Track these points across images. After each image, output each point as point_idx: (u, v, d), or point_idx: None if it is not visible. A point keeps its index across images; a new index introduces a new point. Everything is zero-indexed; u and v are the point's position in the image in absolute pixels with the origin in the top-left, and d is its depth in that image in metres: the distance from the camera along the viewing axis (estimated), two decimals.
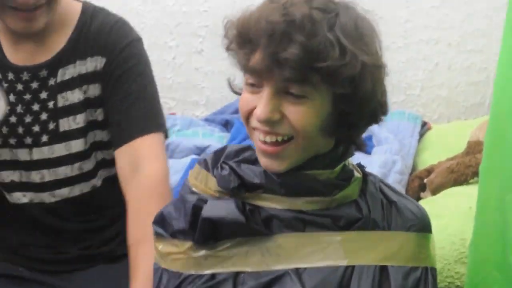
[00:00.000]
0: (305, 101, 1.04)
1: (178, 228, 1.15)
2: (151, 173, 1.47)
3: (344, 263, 1.08)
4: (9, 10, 1.41)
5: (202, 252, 1.12)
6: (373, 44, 1.09)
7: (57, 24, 1.52)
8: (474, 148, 2.29)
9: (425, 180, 2.24)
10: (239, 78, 1.14)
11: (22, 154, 1.55)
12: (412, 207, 1.16)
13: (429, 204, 2.03)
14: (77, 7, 1.57)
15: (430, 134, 2.77)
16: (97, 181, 1.60)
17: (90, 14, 1.56)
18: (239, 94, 1.15)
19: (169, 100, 3.17)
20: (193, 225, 1.12)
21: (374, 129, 2.65)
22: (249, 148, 1.18)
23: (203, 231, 1.11)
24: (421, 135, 2.78)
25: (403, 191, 2.27)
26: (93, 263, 1.60)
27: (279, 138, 1.07)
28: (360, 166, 1.21)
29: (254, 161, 1.14)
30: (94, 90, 1.54)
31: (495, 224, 1.22)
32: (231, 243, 1.11)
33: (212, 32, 3.01)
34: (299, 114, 1.05)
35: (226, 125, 2.85)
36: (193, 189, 1.18)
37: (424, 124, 2.86)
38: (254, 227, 1.09)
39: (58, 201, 1.58)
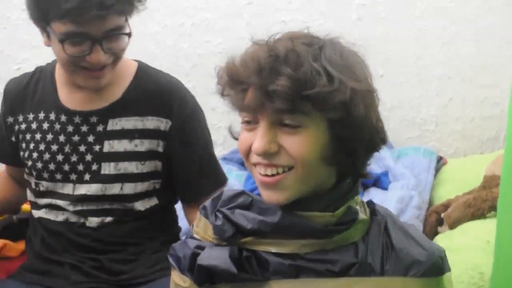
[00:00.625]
0: (300, 130, 1.06)
1: (182, 268, 1.18)
2: None
3: None
4: (80, 70, 1.58)
5: None
6: (361, 71, 1.11)
7: (113, 80, 1.67)
8: (490, 182, 2.29)
9: (442, 215, 2.24)
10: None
11: (68, 189, 1.70)
12: (416, 252, 1.11)
13: (446, 238, 2.04)
14: (133, 65, 1.73)
15: (446, 169, 2.78)
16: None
17: (145, 72, 1.72)
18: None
19: None
20: (192, 268, 1.15)
21: (390, 165, 2.67)
22: (243, 193, 1.18)
23: (199, 276, 1.14)
24: (437, 170, 2.78)
25: (420, 226, 2.27)
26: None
27: (279, 170, 1.08)
28: (370, 204, 1.20)
29: (248, 206, 1.15)
30: (148, 145, 1.69)
31: None
32: (226, 286, 1.12)
33: None
34: (296, 144, 1.06)
35: (244, 163, 2.86)
36: (194, 235, 1.21)
37: (440, 159, 2.86)
38: (245, 278, 1.11)
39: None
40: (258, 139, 1.07)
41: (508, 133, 1.25)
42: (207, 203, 1.22)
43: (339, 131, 1.07)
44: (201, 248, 1.16)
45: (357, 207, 1.15)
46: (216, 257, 1.12)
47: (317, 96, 1.04)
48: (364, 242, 1.12)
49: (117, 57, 1.62)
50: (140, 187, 1.70)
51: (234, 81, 1.10)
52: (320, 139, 1.08)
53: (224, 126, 3.26)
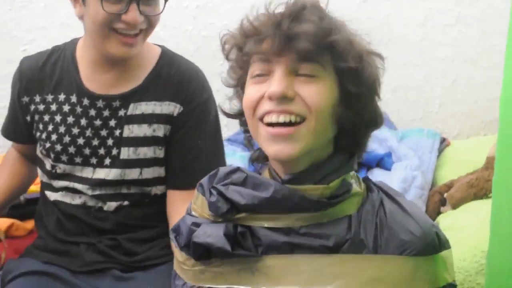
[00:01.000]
0: (316, 80, 1.09)
1: (181, 244, 1.21)
2: None
3: (331, 287, 1.08)
4: (114, 35, 1.57)
5: (198, 267, 1.17)
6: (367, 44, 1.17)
7: (136, 63, 1.67)
8: (493, 163, 2.27)
9: (445, 195, 2.26)
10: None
11: (87, 172, 1.71)
12: (413, 228, 1.11)
13: (449, 217, 2.06)
14: (157, 50, 1.75)
15: (449, 150, 2.80)
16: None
17: (169, 58, 1.73)
18: (231, 115, 1.22)
19: None
20: (188, 244, 1.17)
21: (393, 146, 2.68)
22: (238, 169, 1.19)
23: (195, 251, 1.16)
24: (440, 151, 2.79)
25: (423, 206, 2.29)
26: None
27: (292, 118, 1.09)
28: (366, 181, 1.21)
29: (243, 182, 1.15)
30: (163, 130, 1.67)
31: (509, 235, 1.24)
32: (222, 260, 1.14)
33: None
34: (312, 92, 1.08)
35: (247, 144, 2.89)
36: (192, 212, 1.23)
37: (443, 140, 2.88)
38: (240, 254, 1.12)
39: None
40: (275, 83, 1.08)
41: (501, 114, 1.25)
42: (204, 180, 1.23)
43: (350, 86, 1.10)
44: (197, 225, 1.17)
45: (352, 180, 1.17)
46: (211, 234, 1.13)
47: (338, 44, 1.08)
48: (358, 216, 1.13)
49: (150, 24, 1.63)
50: (158, 171, 1.71)
51: (249, 33, 1.12)
52: (333, 90, 1.10)
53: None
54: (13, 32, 3.07)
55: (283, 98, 1.08)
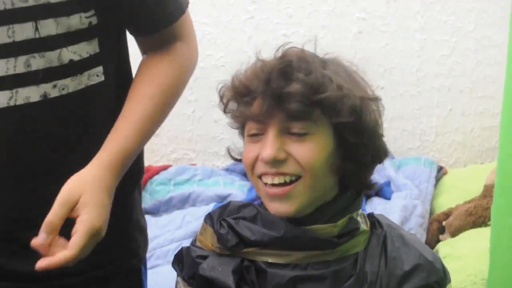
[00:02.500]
0: (308, 138, 1.06)
1: (184, 275, 1.19)
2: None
3: None
4: None
5: None
6: (365, 86, 1.13)
7: None
8: (490, 191, 2.30)
9: (443, 223, 2.26)
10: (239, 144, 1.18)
11: None
12: (413, 263, 1.09)
13: (449, 246, 2.07)
14: None
15: (447, 179, 2.81)
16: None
17: None
18: (239, 160, 1.18)
19: (189, 152, 3.24)
20: (193, 276, 1.16)
21: (391, 175, 2.70)
22: (249, 205, 1.18)
23: (199, 284, 1.14)
24: (438, 179, 2.81)
25: (424, 234, 2.30)
26: None
27: (287, 179, 1.07)
28: (371, 217, 1.19)
29: (254, 218, 1.14)
30: None
31: (509, 262, 1.25)
32: None
33: None
34: (304, 151, 1.06)
35: (246, 174, 2.89)
36: (197, 243, 1.21)
37: (440, 168, 2.90)
38: None
39: None
40: (267, 146, 1.07)
41: (501, 141, 1.27)
42: (214, 211, 1.22)
43: (347, 138, 1.08)
44: (203, 257, 1.16)
45: (358, 218, 1.15)
46: (218, 269, 1.12)
47: (328, 101, 1.05)
48: (365, 253, 1.12)
49: None
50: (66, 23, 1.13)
51: (241, 93, 1.10)
52: (327, 146, 1.08)
53: (226, 138, 3.31)
54: None
55: (275, 161, 1.07)
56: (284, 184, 1.08)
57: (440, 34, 3.15)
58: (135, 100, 1.21)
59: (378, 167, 2.59)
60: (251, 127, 1.11)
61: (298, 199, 1.08)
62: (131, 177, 1.28)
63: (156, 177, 2.92)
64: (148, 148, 3.28)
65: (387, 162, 2.76)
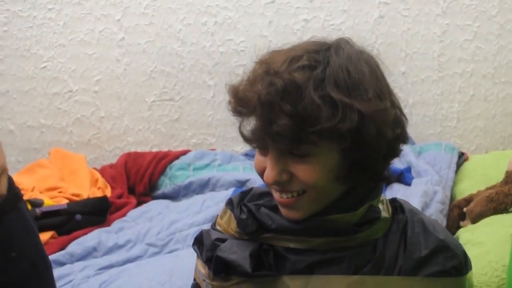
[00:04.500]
0: (310, 158, 1.03)
1: (203, 258, 1.19)
2: None
3: None
4: None
5: (216, 283, 1.15)
6: (371, 83, 1.05)
7: None
8: None
9: (464, 209, 2.25)
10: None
11: None
12: (431, 246, 1.09)
13: (469, 232, 2.05)
14: None
15: (468, 164, 2.79)
16: None
17: None
18: (250, 142, 1.13)
19: (209, 137, 3.25)
20: (211, 258, 1.16)
21: (412, 161, 2.68)
22: (271, 194, 1.16)
23: (216, 266, 1.14)
24: (459, 165, 2.79)
25: (444, 220, 2.28)
26: None
27: (294, 194, 1.07)
28: (393, 202, 1.18)
29: (274, 207, 1.13)
30: None
31: None
32: (239, 279, 1.12)
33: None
34: (306, 172, 1.04)
35: None
36: (217, 227, 1.22)
37: (461, 154, 2.87)
38: (258, 274, 1.10)
39: None
40: (268, 169, 1.06)
41: None
42: (235, 196, 1.22)
43: (351, 154, 1.05)
44: (222, 240, 1.16)
45: (380, 205, 1.14)
46: (236, 251, 1.12)
47: (321, 130, 1.00)
48: (384, 239, 1.11)
49: None
50: None
51: (238, 107, 1.07)
52: (330, 162, 1.05)
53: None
54: (33, 49, 3.11)
55: (279, 183, 1.06)
56: (291, 197, 1.08)
57: (462, 19, 3.12)
58: None
59: None
60: (256, 144, 1.09)
61: (304, 209, 1.09)
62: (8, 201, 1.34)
63: (175, 162, 2.94)
64: (167, 133, 3.33)
65: (407, 148, 2.75)
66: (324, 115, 0.99)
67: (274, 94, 1.00)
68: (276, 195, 1.09)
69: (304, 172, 1.04)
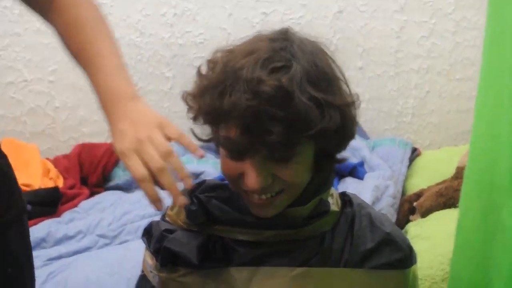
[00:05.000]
0: (294, 159, 1.03)
1: (151, 249, 1.19)
2: None
3: None
4: None
5: (163, 274, 1.15)
6: (336, 78, 1.07)
7: None
8: (462, 173, 2.29)
9: (414, 204, 2.28)
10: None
11: None
12: (377, 243, 1.11)
13: (418, 226, 2.08)
14: None
15: (420, 160, 2.83)
16: None
17: None
18: (204, 141, 1.13)
19: None
20: (159, 250, 1.16)
21: (365, 155, 2.71)
22: (224, 186, 1.17)
23: (164, 257, 1.14)
24: (412, 160, 2.83)
25: (394, 214, 2.31)
26: None
27: (273, 193, 1.07)
28: (343, 196, 1.20)
29: (227, 200, 1.13)
30: None
31: (471, 244, 1.26)
32: (186, 271, 1.13)
33: None
34: (290, 172, 1.04)
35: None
36: (166, 218, 1.21)
37: (414, 150, 2.91)
38: (206, 266, 1.11)
39: None
40: (252, 176, 1.03)
41: (474, 125, 1.27)
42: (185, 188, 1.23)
43: (325, 146, 1.06)
44: (170, 231, 1.16)
45: (330, 199, 1.16)
46: (183, 242, 1.12)
47: (312, 134, 1.00)
48: (332, 232, 1.13)
49: None
50: None
51: (213, 116, 1.04)
52: (309, 159, 1.07)
53: None
54: None
55: (263, 189, 1.05)
56: (270, 197, 1.07)
57: (419, 16, 3.15)
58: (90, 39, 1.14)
59: (353, 147, 2.61)
60: (229, 155, 1.06)
61: (280, 206, 1.10)
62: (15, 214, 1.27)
63: None
64: None
65: (362, 143, 2.77)
66: (314, 117, 0.99)
67: (264, 103, 0.97)
68: (253, 197, 1.07)
69: (287, 172, 1.04)
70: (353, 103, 1.07)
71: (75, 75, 3.12)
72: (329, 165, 1.14)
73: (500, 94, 1.13)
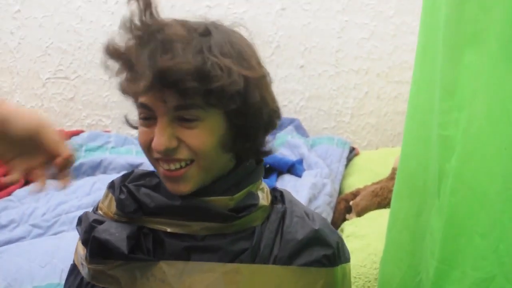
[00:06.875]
0: (198, 124, 1.05)
1: (82, 239, 1.18)
2: None
3: None
4: None
5: (93, 266, 1.14)
6: (252, 56, 1.10)
7: None
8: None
9: (350, 203, 2.31)
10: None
11: None
12: (307, 240, 1.12)
13: (353, 225, 2.11)
14: None
15: (358, 160, 2.87)
16: None
17: None
18: (137, 128, 1.14)
19: (104, 118, 3.18)
20: (87, 241, 1.14)
21: (304, 153, 2.73)
22: (153, 173, 1.18)
23: (93, 248, 1.13)
24: (349, 160, 2.87)
25: (331, 212, 2.34)
26: None
27: (182, 164, 1.08)
28: (273, 192, 1.21)
29: (155, 187, 1.14)
30: None
31: (400, 243, 1.28)
32: (116, 263, 1.11)
33: None
34: (195, 137, 1.06)
35: None
36: (98, 211, 1.20)
37: (352, 149, 2.95)
38: (135, 258, 1.10)
39: None
40: (157, 136, 1.06)
41: (406, 126, 1.30)
42: (116, 179, 1.21)
43: (236, 120, 1.09)
44: (99, 222, 1.15)
45: (259, 192, 1.17)
46: (113, 232, 1.11)
47: (218, 90, 1.03)
48: (262, 227, 1.13)
49: None
50: None
51: (127, 66, 1.07)
52: (217, 129, 1.08)
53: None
54: None
55: (167, 150, 1.06)
56: (179, 168, 1.08)
57: (361, 17, 3.20)
58: None
59: (292, 144, 2.62)
60: (142, 111, 1.08)
61: (193, 180, 1.10)
62: None
63: (67, 142, 2.84)
64: (61, 112, 3.22)
65: (301, 140, 2.79)
66: (222, 75, 1.02)
67: (169, 40, 1.02)
68: (163, 167, 1.08)
69: (192, 137, 1.06)
70: (263, 76, 1.11)
71: (12, 59, 3.05)
72: (251, 151, 1.15)
73: (431, 97, 1.16)
